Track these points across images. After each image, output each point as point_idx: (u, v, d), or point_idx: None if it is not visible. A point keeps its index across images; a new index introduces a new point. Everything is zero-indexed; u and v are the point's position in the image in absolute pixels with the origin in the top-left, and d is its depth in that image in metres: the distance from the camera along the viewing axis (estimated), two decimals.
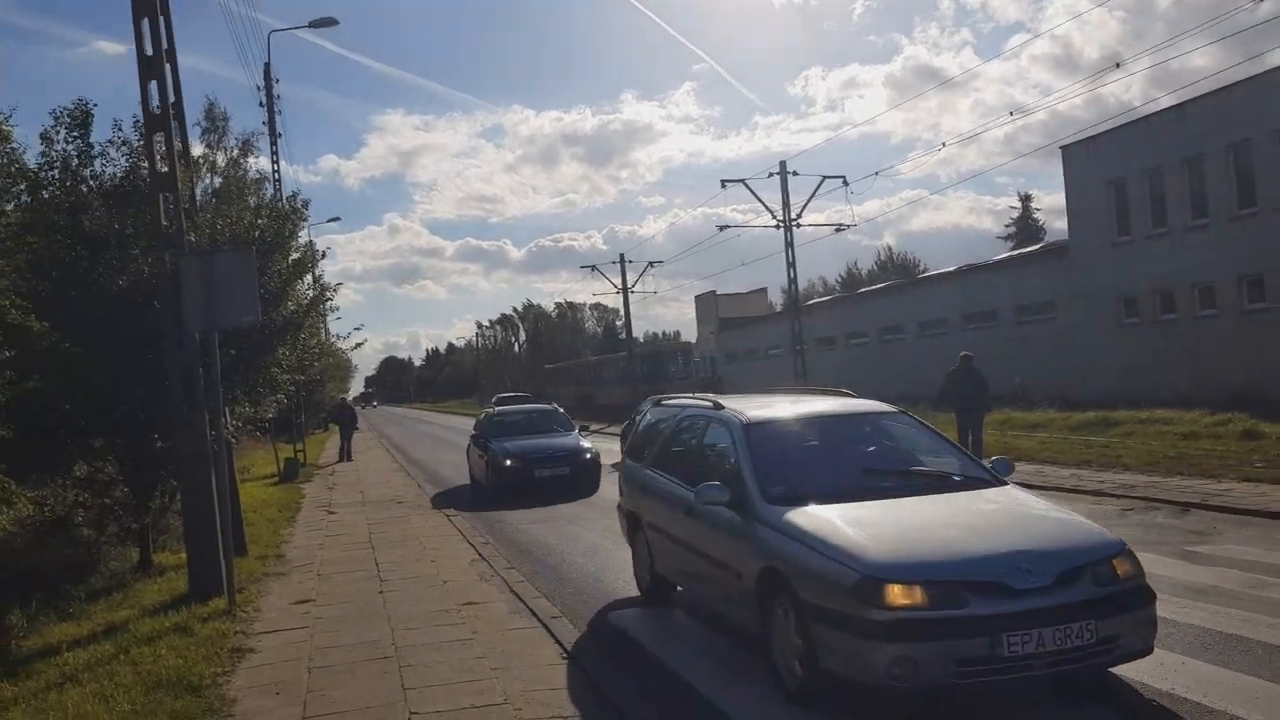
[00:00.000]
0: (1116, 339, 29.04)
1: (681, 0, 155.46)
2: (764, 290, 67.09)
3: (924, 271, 62.02)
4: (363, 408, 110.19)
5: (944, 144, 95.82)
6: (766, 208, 34.73)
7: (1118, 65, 35.39)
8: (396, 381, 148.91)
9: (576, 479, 17.36)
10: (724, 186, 35.14)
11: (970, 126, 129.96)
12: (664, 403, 9.61)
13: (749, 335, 55.41)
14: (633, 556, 9.06)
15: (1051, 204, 76.52)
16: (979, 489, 6.52)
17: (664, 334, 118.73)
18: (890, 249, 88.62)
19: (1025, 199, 72.77)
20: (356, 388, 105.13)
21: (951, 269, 40.66)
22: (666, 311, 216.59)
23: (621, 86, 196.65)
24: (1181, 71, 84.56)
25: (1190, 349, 26.12)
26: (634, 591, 8.97)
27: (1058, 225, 65.28)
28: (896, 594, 5.11)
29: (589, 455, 17.82)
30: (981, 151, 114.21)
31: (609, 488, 15.04)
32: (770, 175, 34.21)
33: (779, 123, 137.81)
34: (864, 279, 70.36)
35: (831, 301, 52.71)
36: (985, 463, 7.08)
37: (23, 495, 9.56)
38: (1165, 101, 40.77)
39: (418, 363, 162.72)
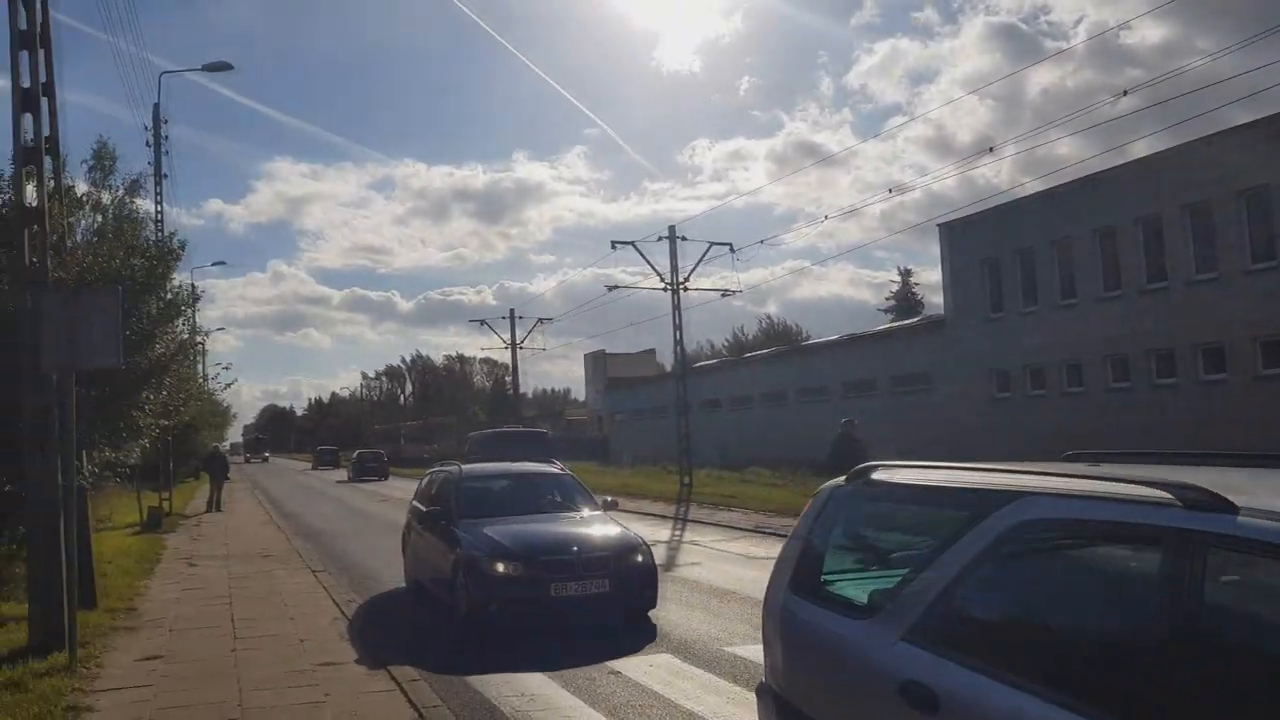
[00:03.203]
0: (990, 411, 30.18)
1: (574, 65, 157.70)
2: (652, 351, 67.66)
3: (806, 339, 63.44)
4: (248, 459, 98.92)
5: (826, 217, 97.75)
6: (655, 270, 35.12)
7: (991, 149, 37.26)
8: (277, 431, 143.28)
9: (620, 597, 10.09)
10: (614, 248, 35.09)
11: (850, 201, 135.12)
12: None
13: (635, 396, 55.69)
14: None
15: (929, 279, 79.35)
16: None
17: (552, 390, 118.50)
18: (771, 316, 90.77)
19: (905, 273, 75.04)
20: (234, 435, 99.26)
21: (834, 338, 41.74)
22: (555, 369, 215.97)
23: (514, 145, 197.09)
24: (1047, 158, 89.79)
25: (1057, 422, 27.28)
26: (518, 668, 8.74)
27: (935, 300, 67.77)
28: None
29: (639, 557, 10.42)
30: (861, 226, 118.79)
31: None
32: (659, 239, 34.65)
33: (667, 189, 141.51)
34: (749, 344, 71.57)
35: (718, 365, 53.43)
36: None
37: None
38: (1033, 186, 43.04)
39: (300, 411, 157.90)
